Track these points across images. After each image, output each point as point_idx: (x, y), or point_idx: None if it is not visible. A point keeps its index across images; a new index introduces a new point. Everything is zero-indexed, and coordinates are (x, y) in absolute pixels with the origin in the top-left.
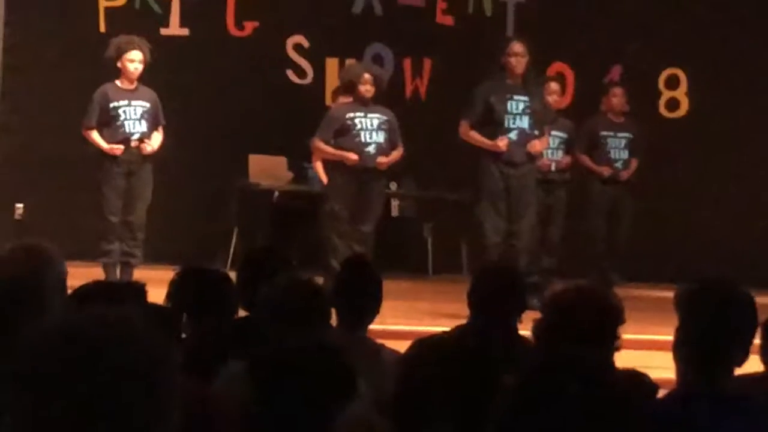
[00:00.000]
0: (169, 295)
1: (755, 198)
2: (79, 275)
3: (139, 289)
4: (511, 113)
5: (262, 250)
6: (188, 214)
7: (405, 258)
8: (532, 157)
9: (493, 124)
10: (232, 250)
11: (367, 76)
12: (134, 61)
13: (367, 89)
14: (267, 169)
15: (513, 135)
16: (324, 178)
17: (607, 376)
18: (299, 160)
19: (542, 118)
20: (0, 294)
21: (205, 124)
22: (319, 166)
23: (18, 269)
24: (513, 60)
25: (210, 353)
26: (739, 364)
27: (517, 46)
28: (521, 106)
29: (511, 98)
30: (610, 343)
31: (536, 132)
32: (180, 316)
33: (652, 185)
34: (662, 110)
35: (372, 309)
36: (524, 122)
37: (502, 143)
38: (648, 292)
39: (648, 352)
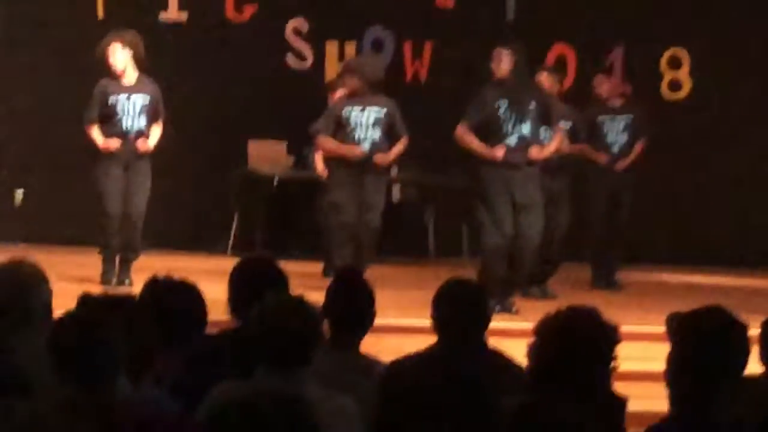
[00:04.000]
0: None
1: (759, 180)
2: (79, 263)
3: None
4: (511, 119)
5: (256, 260)
6: (189, 200)
7: (406, 242)
8: (533, 161)
9: (492, 128)
10: (232, 235)
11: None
12: (113, 54)
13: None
14: (267, 155)
15: (512, 141)
16: (320, 168)
17: None
18: (299, 146)
19: (555, 114)
20: None
21: (204, 110)
22: (318, 159)
23: (6, 290)
24: (495, 65)
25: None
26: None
27: (497, 52)
28: (522, 109)
29: (512, 102)
30: (607, 363)
31: (546, 132)
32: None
33: (655, 167)
34: (664, 91)
35: (364, 324)
36: (525, 128)
37: (499, 152)
38: (650, 276)
39: (649, 343)
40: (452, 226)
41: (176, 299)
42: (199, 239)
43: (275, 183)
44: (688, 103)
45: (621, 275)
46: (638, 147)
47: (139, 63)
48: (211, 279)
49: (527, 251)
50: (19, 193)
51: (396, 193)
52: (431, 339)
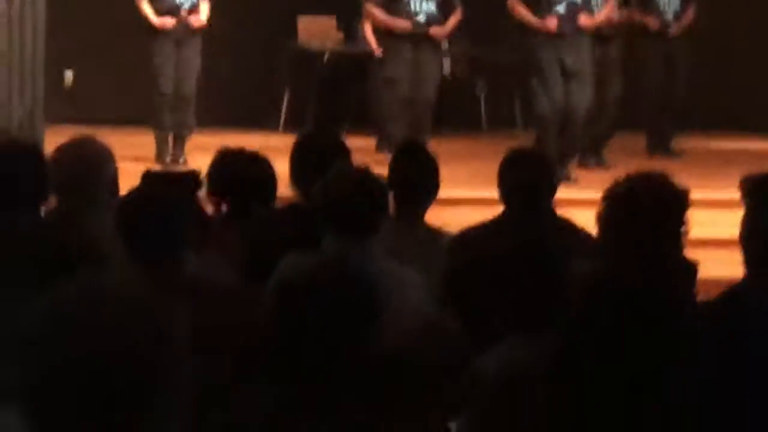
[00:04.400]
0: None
1: None
2: (132, 143)
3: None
4: None
5: (318, 133)
6: (239, 78)
7: (458, 116)
8: (583, 29)
9: None
10: (283, 112)
11: None
12: None
13: None
14: (316, 30)
15: (561, 8)
16: (374, 46)
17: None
18: (348, 20)
19: None
20: (62, 190)
21: None
22: (369, 33)
23: (75, 167)
24: None
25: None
26: None
27: None
28: None
29: None
30: (678, 228)
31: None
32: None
33: (708, 31)
34: None
35: (428, 195)
36: None
37: (551, 24)
38: (705, 143)
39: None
40: (504, 98)
41: (248, 171)
42: (250, 116)
43: (325, 58)
44: None
45: (676, 142)
46: (690, 12)
47: None
48: (265, 155)
49: (577, 118)
50: (69, 74)
51: (447, 66)
52: (491, 210)
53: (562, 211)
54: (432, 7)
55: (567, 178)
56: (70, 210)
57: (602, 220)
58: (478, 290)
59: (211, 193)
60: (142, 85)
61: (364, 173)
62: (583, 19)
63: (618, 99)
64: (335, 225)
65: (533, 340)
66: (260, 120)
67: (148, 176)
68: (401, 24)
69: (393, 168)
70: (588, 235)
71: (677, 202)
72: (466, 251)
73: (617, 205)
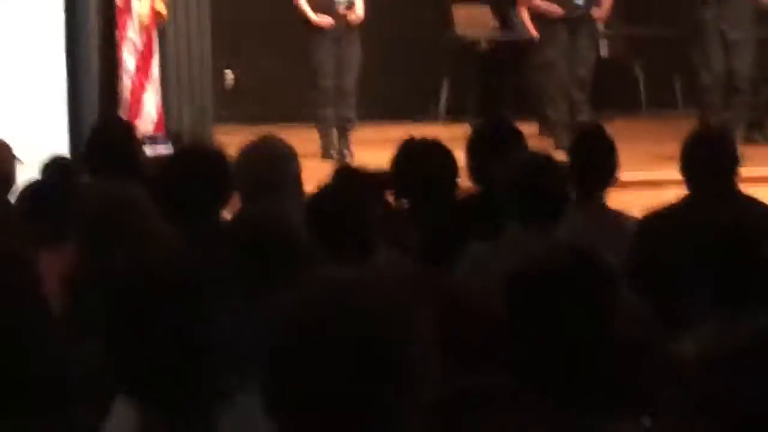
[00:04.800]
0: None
1: None
2: (296, 139)
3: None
4: None
5: (495, 123)
6: (396, 69)
7: (618, 97)
8: None
9: None
10: (443, 101)
11: None
12: None
13: None
14: (472, 19)
15: None
16: (531, 29)
17: None
18: (504, 8)
19: None
20: (248, 190)
21: None
22: (525, 16)
23: (264, 164)
24: None
25: (446, 233)
26: None
27: None
28: None
29: None
30: None
31: None
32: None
33: None
34: None
35: (608, 178)
36: None
37: None
38: None
39: None
40: (663, 77)
41: (432, 160)
42: (409, 107)
43: (483, 46)
44: None
45: None
46: None
47: None
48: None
49: (739, 91)
50: (230, 74)
51: (603, 48)
52: (661, 191)
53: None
54: None
55: None
56: (258, 209)
57: None
58: (672, 272)
59: (394, 185)
60: (301, 81)
61: (546, 159)
62: None
63: None
64: (521, 212)
65: (737, 319)
66: (420, 111)
67: (341, 173)
68: (555, 9)
69: (573, 152)
70: None
71: None
72: (657, 233)
73: None
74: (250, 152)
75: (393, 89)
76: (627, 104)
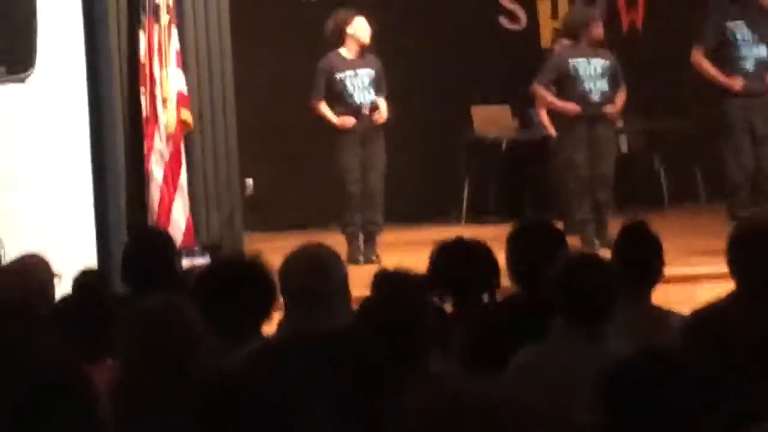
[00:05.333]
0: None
1: None
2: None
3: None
4: (747, 41)
5: (534, 223)
6: (416, 172)
7: (639, 193)
8: None
9: (727, 52)
10: (465, 203)
11: (594, 20)
12: (360, 27)
13: (597, 32)
14: (491, 119)
15: (749, 65)
16: (549, 128)
17: None
18: (523, 107)
19: None
20: (295, 299)
21: (423, 81)
22: (543, 115)
23: (308, 275)
24: None
25: (494, 336)
26: None
27: None
28: (759, 33)
29: (748, 24)
30: None
31: None
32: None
33: None
34: None
35: (654, 274)
36: (762, 50)
37: (736, 84)
38: None
39: None
40: (685, 171)
41: (467, 263)
42: (430, 210)
43: (503, 147)
44: None
45: None
46: None
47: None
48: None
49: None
50: (250, 183)
51: (623, 143)
52: (699, 287)
53: None
54: (605, 86)
55: None
56: (304, 318)
57: None
58: (718, 370)
59: (435, 288)
60: (324, 187)
61: (594, 258)
62: None
63: None
64: (569, 313)
65: None
66: (441, 213)
67: (381, 277)
68: (570, 107)
69: (618, 248)
70: None
71: None
72: (707, 332)
73: None
74: (296, 260)
75: (413, 192)
76: (649, 199)
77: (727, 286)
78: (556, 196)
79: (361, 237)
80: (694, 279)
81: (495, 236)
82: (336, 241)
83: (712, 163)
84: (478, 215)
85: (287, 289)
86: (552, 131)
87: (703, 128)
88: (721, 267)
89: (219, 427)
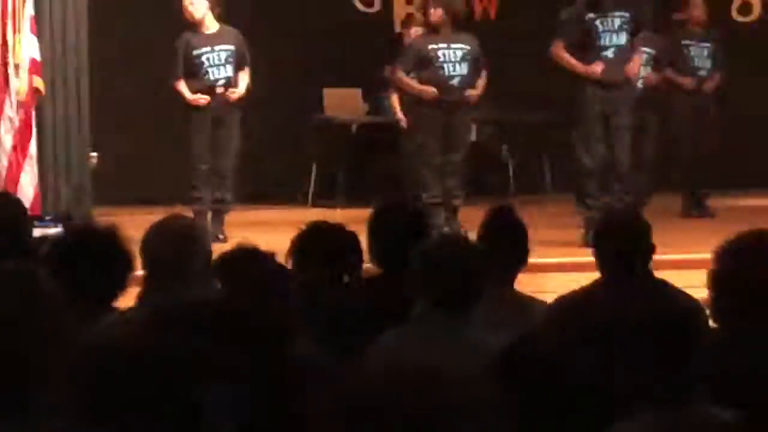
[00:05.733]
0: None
1: None
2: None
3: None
4: (608, 30)
5: (395, 205)
6: (265, 153)
7: (486, 183)
8: (630, 78)
9: (588, 43)
10: (312, 185)
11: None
12: (188, 4)
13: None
14: (342, 102)
15: (610, 53)
16: (399, 114)
17: None
18: (374, 91)
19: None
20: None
21: (275, 61)
22: (395, 100)
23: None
24: None
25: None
26: None
27: None
28: (618, 22)
29: (608, 14)
30: None
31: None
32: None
33: (737, 90)
34: (735, 14)
35: (519, 259)
36: (621, 39)
37: (597, 68)
38: (741, 201)
39: None
40: (532, 162)
41: (337, 242)
42: (278, 191)
43: (353, 130)
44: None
45: (712, 202)
46: (719, 75)
47: (218, 15)
48: (294, 231)
49: (621, 175)
50: (94, 156)
51: (472, 133)
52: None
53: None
54: (466, 69)
55: None
56: (169, 291)
57: (718, 281)
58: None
59: (299, 269)
60: (173, 164)
61: (463, 241)
62: (630, 68)
63: (652, 159)
64: (436, 297)
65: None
66: (289, 194)
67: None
68: (429, 92)
69: (484, 232)
70: (689, 298)
71: None
72: (571, 319)
73: (734, 265)
74: (162, 231)
75: (262, 172)
76: (496, 189)
77: (574, 276)
78: (407, 181)
79: (210, 215)
80: (540, 268)
81: (343, 219)
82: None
83: (560, 154)
84: (325, 198)
85: (151, 262)
86: (401, 116)
87: (552, 119)
88: (568, 257)
89: (107, 403)
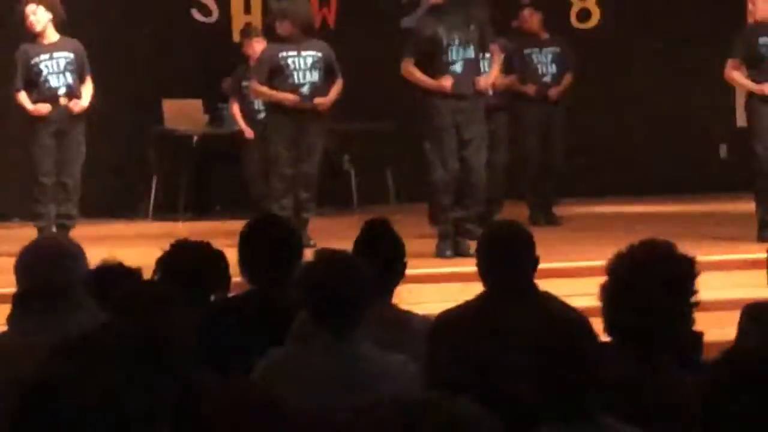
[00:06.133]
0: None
1: (672, 107)
2: (9, 237)
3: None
4: (453, 45)
5: (266, 220)
6: (105, 166)
7: (328, 194)
8: (480, 91)
9: (436, 57)
10: (152, 198)
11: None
12: (30, 14)
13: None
14: (182, 113)
15: (458, 67)
16: (243, 125)
17: None
18: (213, 102)
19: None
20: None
21: (114, 72)
22: (236, 110)
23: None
24: None
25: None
26: None
27: None
28: (465, 36)
29: (454, 28)
30: (687, 298)
31: (482, 55)
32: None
33: (579, 98)
34: (573, 21)
35: (398, 273)
36: (469, 52)
37: (446, 83)
38: (587, 209)
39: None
40: (375, 173)
41: (199, 260)
42: (119, 204)
43: (194, 141)
44: (598, 31)
45: (559, 209)
46: (567, 78)
47: (60, 25)
48: (137, 244)
49: (475, 187)
50: None
51: None
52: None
53: (470, 287)
54: (316, 77)
55: (465, 253)
56: (43, 313)
57: (608, 293)
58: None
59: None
60: (16, 176)
61: (349, 259)
62: (482, 82)
63: (503, 168)
64: (321, 316)
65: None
66: (128, 208)
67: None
68: (288, 97)
69: (357, 247)
70: (576, 313)
71: (686, 267)
72: (450, 335)
73: (626, 276)
74: (37, 252)
75: (102, 185)
76: (338, 200)
77: (428, 287)
78: (251, 192)
79: (54, 230)
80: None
81: (186, 232)
82: (27, 234)
83: (403, 165)
84: (166, 211)
85: (25, 283)
86: (243, 126)
87: (395, 130)
88: (423, 268)
89: None
